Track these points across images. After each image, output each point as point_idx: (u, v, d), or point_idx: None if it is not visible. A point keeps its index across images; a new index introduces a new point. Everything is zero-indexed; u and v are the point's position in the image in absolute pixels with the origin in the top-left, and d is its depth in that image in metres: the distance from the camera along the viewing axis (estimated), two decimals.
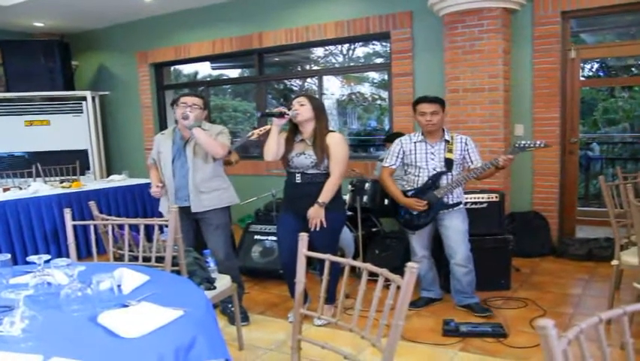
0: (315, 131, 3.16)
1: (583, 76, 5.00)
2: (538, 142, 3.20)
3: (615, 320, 1.01)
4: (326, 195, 3.12)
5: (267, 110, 3.25)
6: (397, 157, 3.46)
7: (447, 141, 3.39)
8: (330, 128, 3.25)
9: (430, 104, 3.33)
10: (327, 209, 3.13)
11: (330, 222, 3.15)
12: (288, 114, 3.11)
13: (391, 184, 3.47)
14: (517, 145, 3.21)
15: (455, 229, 3.38)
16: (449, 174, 3.37)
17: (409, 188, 3.45)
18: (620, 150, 8.00)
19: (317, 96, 3.68)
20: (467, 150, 3.39)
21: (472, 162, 3.39)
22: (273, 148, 3.15)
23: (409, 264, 1.38)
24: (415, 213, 3.41)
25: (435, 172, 3.36)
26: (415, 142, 3.43)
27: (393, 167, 3.48)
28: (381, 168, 3.64)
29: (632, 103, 7.91)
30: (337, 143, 3.15)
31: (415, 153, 3.41)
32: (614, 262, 3.15)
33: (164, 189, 3.30)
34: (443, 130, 3.41)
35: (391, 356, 1.36)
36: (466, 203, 3.59)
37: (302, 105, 3.15)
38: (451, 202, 3.38)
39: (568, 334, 0.90)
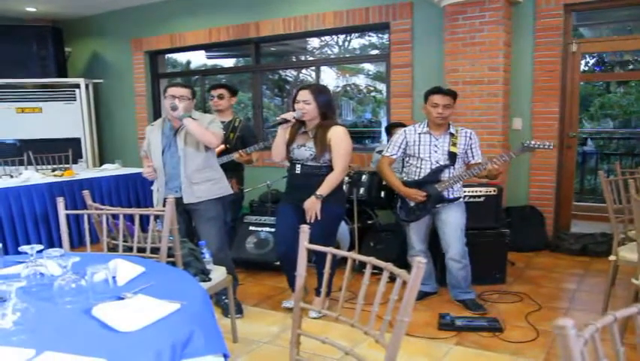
0: (319, 125, 3.13)
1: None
2: (547, 143, 3.14)
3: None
4: (325, 188, 3.09)
5: (273, 122, 3.30)
6: (400, 147, 3.41)
7: (452, 134, 3.35)
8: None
9: (443, 96, 3.28)
10: (325, 201, 3.10)
11: (327, 215, 3.12)
12: (293, 119, 3.10)
13: (391, 174, 3.43)
14: (525, 144, 3.17)
15: (452, 224, 3.35)
16: (452, 168, 3.33)
17: (408, 179, 3.42)
18: (616, 145, 8.01)
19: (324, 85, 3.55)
20: (470, 144, 3.35)
21: (473, 157, 3.35)
22: (281, 149, 3.19)
23: (417, 258, 1.33)
24: (412, 205, 3.38)
25: (438, 165, 3.33)
26: (419, 133, 3.38)
27: (394, 157, 3.43)
28: (380, 157, 3.59)
29: (628, 98, 7.90)
30: (339, 137, 3.10)
31: (419, 145, 3.36)
32: (612, 258, 3.14)
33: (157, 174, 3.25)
34: (448, 123, 3.37)
35: (395, 353, 1.33)
36: (464, 197, 3.56)
37: (307, 104, 3.10)
38: (450, 197, 3.35)
39: (585, 333, 0.87)
